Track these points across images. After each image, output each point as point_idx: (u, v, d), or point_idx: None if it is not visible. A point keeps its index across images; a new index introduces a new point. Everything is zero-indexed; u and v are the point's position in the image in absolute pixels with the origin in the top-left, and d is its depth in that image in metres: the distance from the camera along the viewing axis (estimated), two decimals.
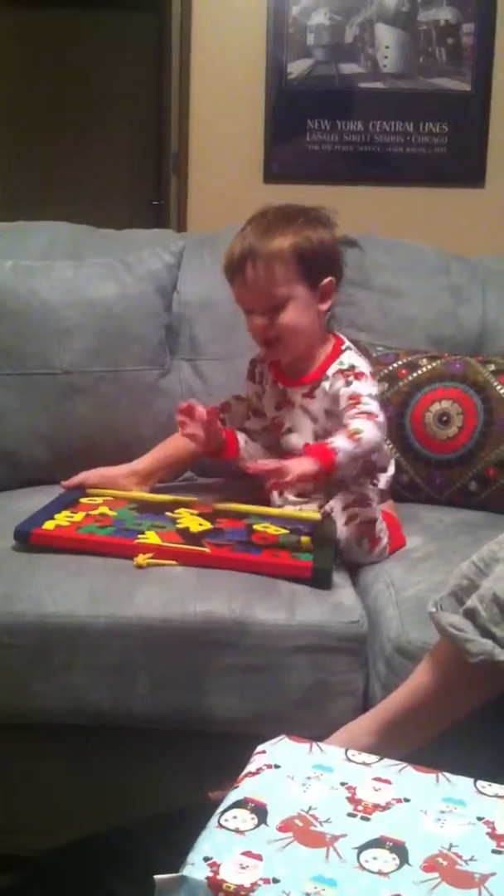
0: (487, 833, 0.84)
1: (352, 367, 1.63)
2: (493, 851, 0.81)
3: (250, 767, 0.92)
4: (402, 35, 3.30)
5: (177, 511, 1.63)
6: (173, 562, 1.46)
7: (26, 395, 1.83)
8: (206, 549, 1.47)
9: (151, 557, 1.45)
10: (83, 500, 1.67)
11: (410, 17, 3.29)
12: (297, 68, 3.31)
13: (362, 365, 1.65)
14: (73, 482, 1.71)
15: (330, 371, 1.65)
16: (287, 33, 3.28)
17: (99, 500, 1.67)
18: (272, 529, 1.57)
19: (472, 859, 0.80)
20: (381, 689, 1.36)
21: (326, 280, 1.65)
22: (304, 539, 1.54)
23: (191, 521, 1.58)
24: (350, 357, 1.66)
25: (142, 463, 1.77)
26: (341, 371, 1.64)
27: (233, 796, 0.87)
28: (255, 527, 1.58)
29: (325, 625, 1.38)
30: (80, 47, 4.60)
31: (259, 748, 0.96)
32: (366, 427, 1.53)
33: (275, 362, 1.71)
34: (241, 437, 1.73)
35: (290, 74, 3.31)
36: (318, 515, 1.65)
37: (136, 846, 1.04)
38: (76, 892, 1.02)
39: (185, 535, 1.52)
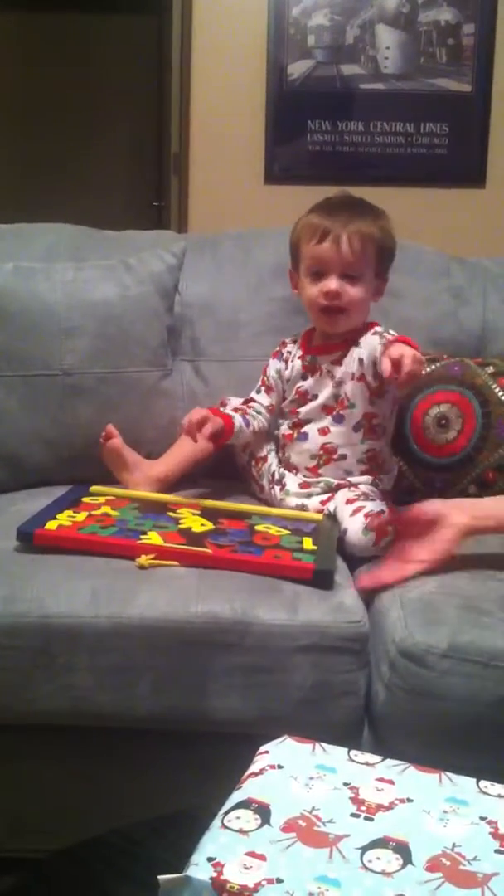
0: (490, 833, 0.84)
1: (388, 331, 1.72)
2: (496, 851, 0.81)
3: (253, 768, 0.92)
4: (403, 36, 3.30)
5: (179, 511, 1.63)
6: (175, 562, 1.46)
7: (27, 396, 1.83)
8: (208, 550, 1.47)
9: (153, 558, 1.45)
10: (85, 499, 1.67)
11: (411, 17, 3.29)
12: (297, 69, 3.31)
13: (393, 332, 1.74)
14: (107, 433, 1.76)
15: (363, 340, 1.74)
16: (287, 34, 3.28)
17: (101, 499, 1.67)
18: (274, 530, 1.57)
19: (475, 859, 0.80)
20: (384, 690, 1.36)
21: (385, 277, 1.77)
22: (306, 540, 1.54)
23: (193, 521, 1.58)
24: (385, 328, 1.75)
25: (156, 471, 1.78)
26: (378, 333, 1.72)
27: (236, 797, 0.87)
28: (256, 527, 1.58)
29: (328, 625, 1.38)
30: (82, 49, 4.60)
31: (262, 748, 0.96)
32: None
33: (307, 337, 1.81)
34: (238, 421, 1.77)
35: (290, 75, 3.31)
36: (319, 517, 1.65)
37: (138, 848, 1.04)
38: (78, 895, 1.02)
39: (188, 535, 1.52)
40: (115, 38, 4.55)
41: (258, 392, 1.84)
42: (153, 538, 1.49)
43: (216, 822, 0.83)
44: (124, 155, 4.66)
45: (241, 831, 0.82)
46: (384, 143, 3.34)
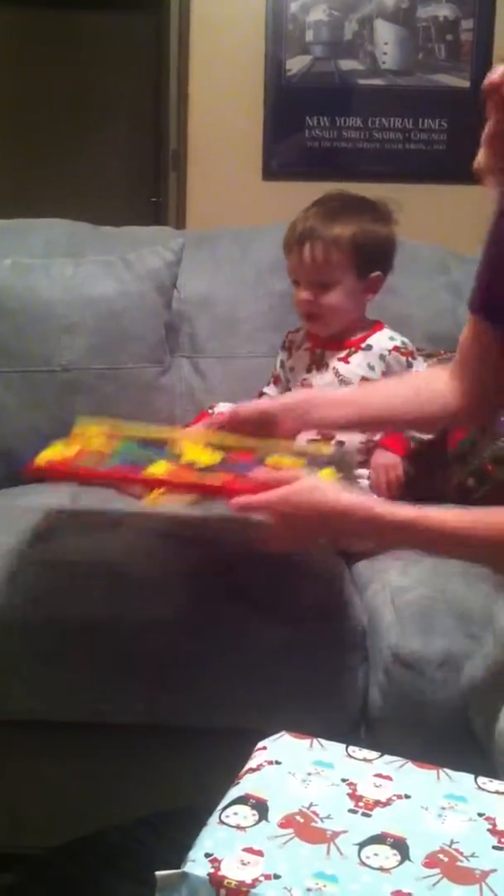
0: (488, 829, 0.84)
1: (405, 345, 1.76)
2: (494, 847, 0.81)
3: (251, 764, 0.92)
4: (402, 31, 3.29)
5: (179, 445, 1.40)
6: (188, 496, 1.30)
7: (26, 392, 1.82)
8: (221, 482, 1.26)
9: (163, 493, 1.26)
10: (76, 431, 1.44)
11: (409, 13, 3.28)
12: (296, 65, 3.31)
13: (409, 342, 1.78)
14: None
15: (375, 342, 1.75)
16: (286, 30, 3.28)
17: (93, 431, 1.43)
18: (287, 461, 1.36)
19: (473, 855, 0.80)
20: (380, 697, 1.35)
21: (375, 274, 1.74)
22: (326, 471, 1.39)
23: (197, 453, 1.36)
24: (397, 335, 1.77)
25: None
26: (397, 349, 1.75)
27: (234, 793, 0.87)
28: (266, 460, 1.36)
29: (326, 621, 1.38)
30: (79, 45, 4.59)
31: (259, 744, 0.96)
32: None
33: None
34: (227, 407, 1.77)
35: (289, 71, 3.31)
36: (329, 449, 1.55)
37: (136, 844, 1.04)
38: (77, 891, 1.02)
39: (194, 469, 1.31)
40: (113, 35, 4.54)
41: (268, 384, 1.86)
42: (160, 467, 1.28)
43: (213, 817, 0.83)
44: (122, 151, 4.65)
45: (238, 827, 0.81)
46: (383, 139, 3.34)
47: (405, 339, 1.78)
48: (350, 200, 1.75)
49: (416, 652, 1.32)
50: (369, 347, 1.76)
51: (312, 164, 3.35)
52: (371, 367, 1.74)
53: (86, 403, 1.82)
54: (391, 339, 1.77)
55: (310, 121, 3.34)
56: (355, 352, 1.76)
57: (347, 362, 1.75)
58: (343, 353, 1.76)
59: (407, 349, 1.76)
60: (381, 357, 1.75)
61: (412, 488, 1.82)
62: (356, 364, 1.75)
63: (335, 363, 1.76)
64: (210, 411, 1.84)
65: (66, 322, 1.82)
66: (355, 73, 3.32)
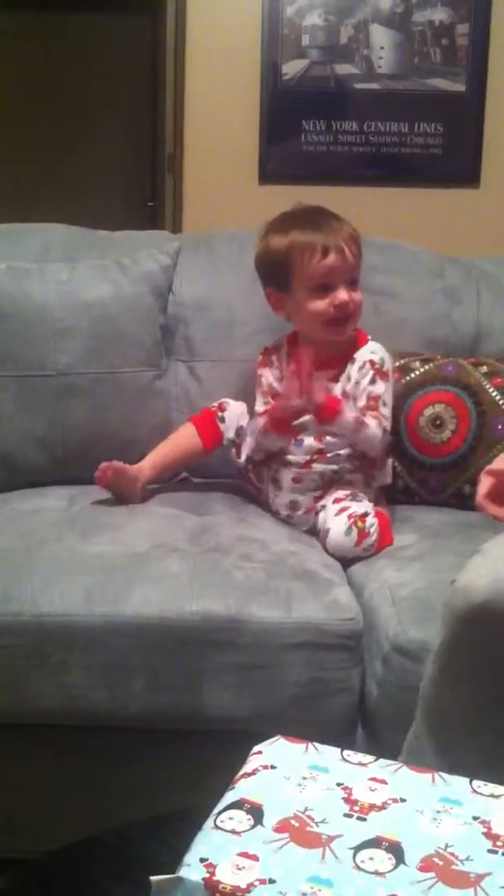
0: (483, 833, 0.84)
1: (382, 363, 1.73)
2: (489, 851, 0.81)
3: (246, 768, 0.92)
4: (397, 36, 3.30)
5: None
6: None
7: (21, 396, 1.82)
8: None
9: None
10: None
11: (405, 17, 3.29)
12: (291, 69, 3.31)
13: (389, 362, 1.75)
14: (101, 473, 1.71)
15: (358, 355, 1.74)
16: (282, 34, 3.28)
17: None
18: None
19: (468, 859, 0.80)
20: (377, 688, 1.36)
21: None
22: None
23: None
24: (381, 350, 1.75)
25: (148, 469, 1.78)
26: (372, 363, 1.73)
27: (229, 797, 0.87)
28: None
29: (322, 622, 1.38)
30: (75, 48, 4.60)
31: (255, 749, 0.96)
32: (373, 426, 1.66)
33: (294, 346, 1.79)
34: (238, 410, 1.79)
35: (285, 75, 3.31)
36: None
37: (132, 847, 1.04)
38: (73, 895, 1.02)
39: None
40: (109, 37, 4.55)
41: (266, 402, 1.79)
42: None
43: (209, 822, 0.83)
44: (119, 154, 4.66)
45: (233, 832, 0.81)
46: (378, 143, 3.34)
47: (384, 357, 1.75)
48: (320, 207, 1.77)
49: (415, 639, 1.33)
50: (353, 361, 1.75)
51: (308, 168, 3.35)
52: (350, 377, 1.74)
53: (82, 407, 1.82)
54: (372, 352, 1.75)
55: (306, 125, 3.34)
56: (343, 371, 1.75)
57: (337, 381, 1.74)
58: (332, 374, 1.74)
59: (380, 368, 1.73)
60: (359, 369, 1.73)
61: (408, 494, 1.83)
62: (342, 382, 1.74)
63: (325, 384, 1.72)
64: (215, 408, 1.83)
65: (61, 326, 1.82)
66: (351, 77, 3.32)
